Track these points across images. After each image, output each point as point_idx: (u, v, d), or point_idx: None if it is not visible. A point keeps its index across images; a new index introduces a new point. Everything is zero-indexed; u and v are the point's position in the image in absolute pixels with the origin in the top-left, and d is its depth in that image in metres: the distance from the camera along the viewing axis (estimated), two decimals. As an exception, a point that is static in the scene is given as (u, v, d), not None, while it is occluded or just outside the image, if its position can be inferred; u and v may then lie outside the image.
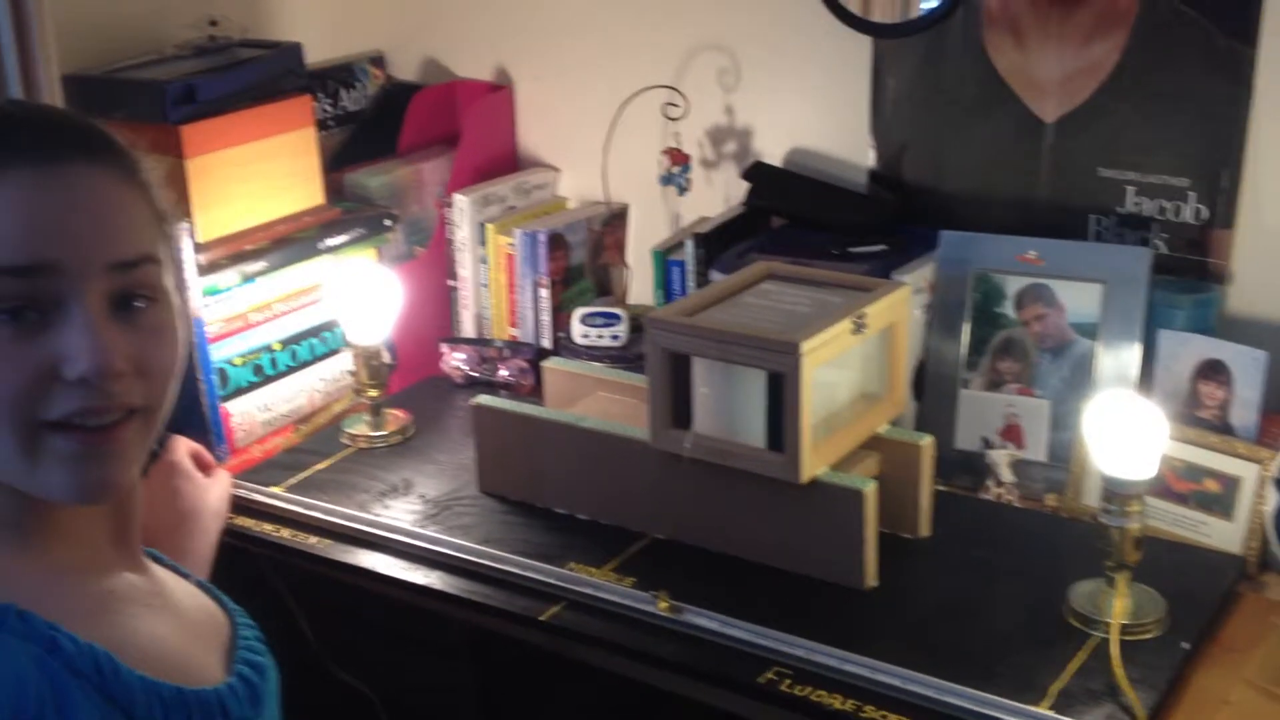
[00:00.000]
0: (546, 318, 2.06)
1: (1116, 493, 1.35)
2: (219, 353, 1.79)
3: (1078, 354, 1.69)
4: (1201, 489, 1.55)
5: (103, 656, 0.93)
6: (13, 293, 0.90)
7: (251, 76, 1.87)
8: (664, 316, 1.50)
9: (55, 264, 0.91)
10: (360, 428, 1.86)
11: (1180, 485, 1.56)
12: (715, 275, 1.83)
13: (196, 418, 1.75)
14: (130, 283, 0.95)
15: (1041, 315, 1.71)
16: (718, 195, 2.05)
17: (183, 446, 1.56)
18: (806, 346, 1.40)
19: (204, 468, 1.57)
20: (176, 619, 1.07)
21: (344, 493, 1.70)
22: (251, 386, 1.84)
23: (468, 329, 2.13)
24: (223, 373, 1.79)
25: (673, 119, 1.96)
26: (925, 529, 1.56)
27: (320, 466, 1.78)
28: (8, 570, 0.96)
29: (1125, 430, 1.34)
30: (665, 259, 1.92)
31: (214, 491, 1.54)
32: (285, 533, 1.63)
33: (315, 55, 2.09)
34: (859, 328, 1.48)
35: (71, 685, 0.90)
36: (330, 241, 1.94)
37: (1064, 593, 1.41)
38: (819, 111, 1.95)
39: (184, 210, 1.70)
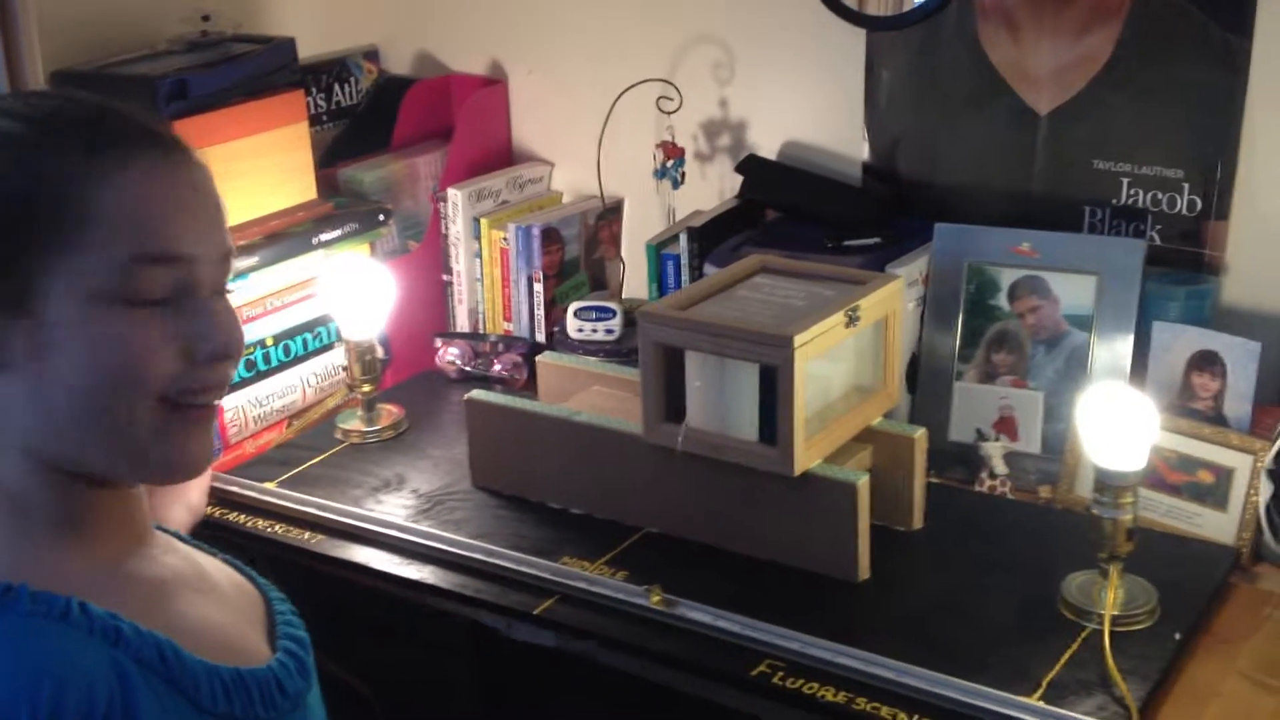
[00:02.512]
0: (541, 312, 2.06)
1: (1109, 484, 1.34)
2: (212, 348, 1.79)
3: (1072, 346, 1.69)
4: (1195, 480, 1.54)
5: (165, 644, 0.94)
6: (162, 280, 0.95)
7: (244, 72, 1.86)
8: (657, 310, 1.50)
9: (192, 254, 0.97)
10: (354, 423, 1.86)
11: (1174, 476, 1.56)
12: (709, 269, 1.83)
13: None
14: (225, 272, 1.01)
15: (1035, 307, 1.71)
16: (712, 189, 2.04)
17: None
18: (799, 340, 1.40)
19: None
20: (220, 600, 1.08)
21: (337, 488, 1.70)
22: (244, 382, 1.84)
23: (462, 324, 2.13)
24: (216, 368, 1.79)
25: (667, 113, 1.96)
26: (918, 521, 1.56)
27: (313, 462, 1.77)
28: (62, 564, 0.96)
29: (1117, 422, 1.34)
30: (659, 253, 1.92)
31: (192, 486, 1.54)
32: (278, 528, 1.63)
33: (309, 50, 2.09)
34: (852, 321, 1.48)
35: (137, 677, 0.91)
36: (324, 236, 1.93)
37: (1056, 584, 1.41)
38: (813, 105, 1.95)
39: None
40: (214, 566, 1.13)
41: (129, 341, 0.94)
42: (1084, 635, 1.34)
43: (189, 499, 1.53)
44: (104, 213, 0.93)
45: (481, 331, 2.12)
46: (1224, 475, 1.52)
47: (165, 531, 1.11)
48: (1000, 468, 1.67)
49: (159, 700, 0.92)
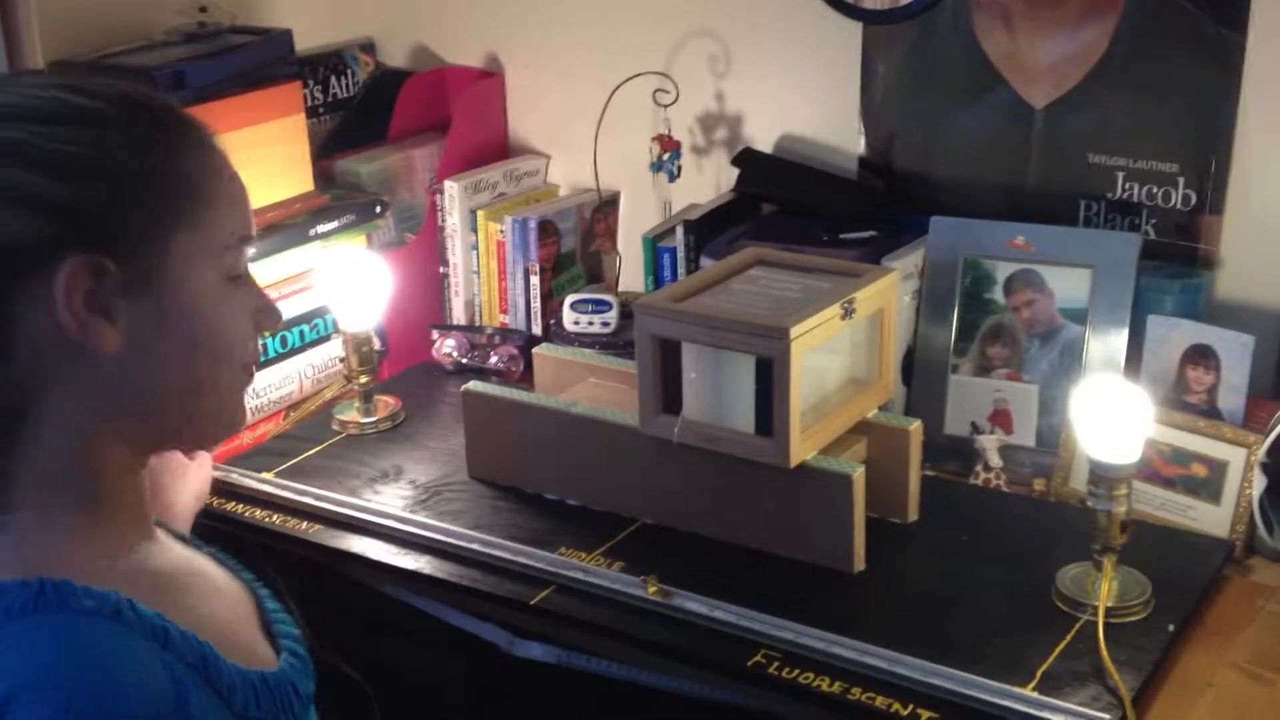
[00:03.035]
0: (537, 304, 2.06)
1: (1103, 476, 1.35)
2: (209, 339, 1.79)
3: (1067, 339, 1.69)
4: (1189, 473, 1.55)
5: (206, 647, 0.91)
6: (244, 259, 1.03)
7: (241, 63, 1.86)
8: (653, 302, 1.51)
9: (252, 235, 1.04)
10: (351, 414, 1.86)
11: (1168, 470, 1.56)
12: (706, 262, 1.83)
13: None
14: None
15: (1031, 301, 1.72)
16: (708, 182, 2.05)
17: None
18: (795, 332, 1.40)
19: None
20: (222, 599, 1.05)
21: (334, 478, 1.71)
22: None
23: (458, 316, 2.13)
24: (213, 359, 1.79)
25: (663, 105, 1.96)
26: (914, 514, 1.57)
27: (310, 453, 1.78)
28: (93, 557, 0.93)
29: (1111, 414, 1.35)
30: (656, 245, 1.93)
31: (195, 474, 1.54)
32: (276, 518, 1.64)
33: (305, 42, 2.09)
34: (848, 313, 1.49)
35: (186, 680, 0.88)
36: (320, 228, 1.94)
37: (1051, 576, 1.42)
38: (809, 98, 1.96)
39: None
40: (206, 563, 1.10)
41: (234, 317, 1.01)
42: (1078, 626, 1.35)
43: (196, 486, 1.52)
44: (217, 193, 0.98)
45: (478, 324, 2.12)
46: (1218, 468, 1.53)
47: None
48: (995, 460, 1.67)
49: (208, 705, 0.89)
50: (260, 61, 1.89)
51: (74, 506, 0.95)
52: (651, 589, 1.42)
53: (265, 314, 1.05)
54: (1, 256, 0.89)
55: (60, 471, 0.94)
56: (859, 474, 1.44)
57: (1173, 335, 1.61)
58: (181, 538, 1.12)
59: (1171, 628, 1.34)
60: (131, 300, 0.93)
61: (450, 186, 2.08)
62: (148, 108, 0.97)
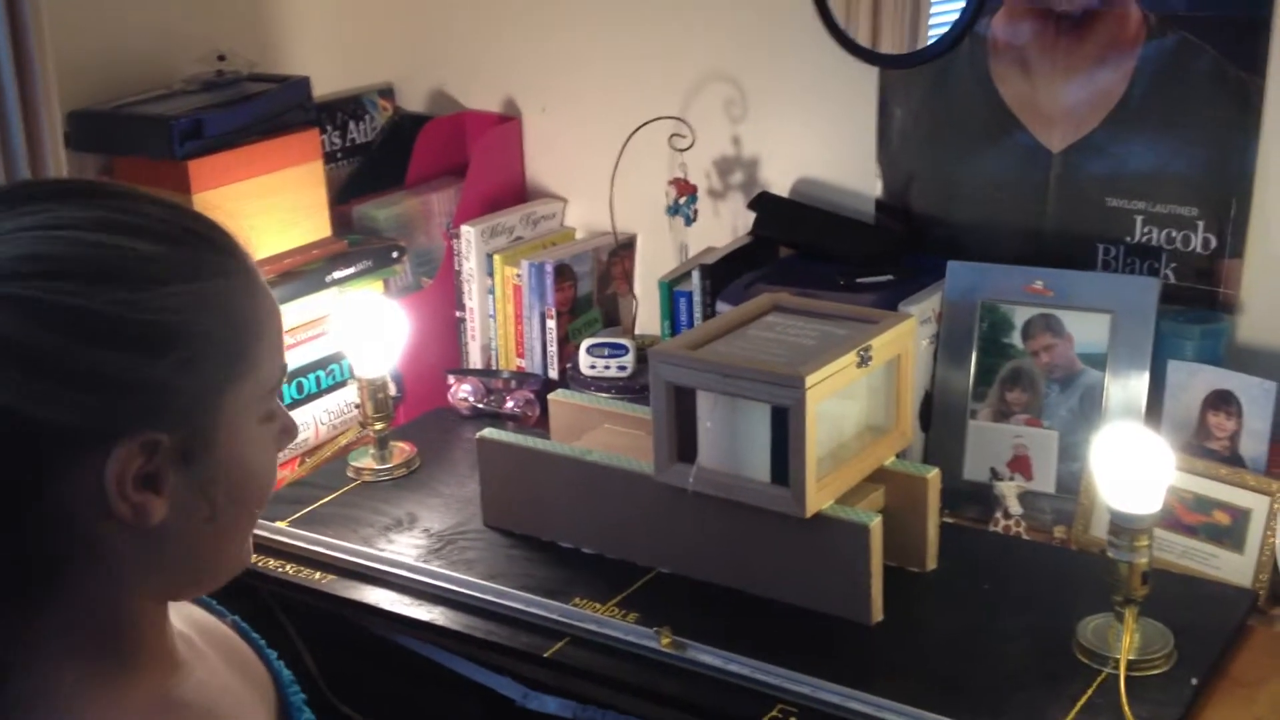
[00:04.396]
0: (553, 348, 2.06)
1: (1124, 527, 1.33)
2: (225, 386, 1.79)
3: (1086, 384, 1.68)
4: (1211, 521, 1.53)
5: None
6: (278, 393, 0.92)
7: (259, 111, 1.88)
8: (668, 349, 1.50)
9: (288, 366, 0.94)
10: (366, 461, 1.85)
11: (1189, 517, 1.54)
12: (722, 305, 1.82)
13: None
14: None
15: (1049, 345, 1.70)
16: (725, 226, 2.04)
17: None
18: (811, 380, 1.39)
19: None
20: (253, 707, 0.98)
21: (349, 527, 1.70)
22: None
23: (475, 360, 2.13)
24: (229, 406, 1.79)
25: (680, 150, 1.96)
26: (932, 562, 1.55)
27: (325, 500, 1.77)
28: (142, 709, 0.86)
29: (1132, 465, 1.33)
30: (672, 289, 1.92)
31: None
32: (290, 568, 1.63)
33: (324, 87, 2.10)
34: (864, 361, 1.48)
35: None
36: (338, 274, 1.94)
37: (1072, 626, 1.40)
38: (826, 142, 1.95)
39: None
40: (227, 645, 1.02)
41: (267, 457, 0.90)
42: (1100, 680, 1.33)
43: None
44: (263, 334, 0.87)
45: (494, 368, 2.11)
46: (1241, 516, 1.51)
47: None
48: (1015, 507, 1.66)
49: None
50: (278, 109, 1.91)
51: (101, 664, 0.86)
52: (665, 641, 1.40)
53: (286, 434, 0.93)
54: (41, 443, 0.77)
55: (89, 632, 0.85)
56: (876, 523, 1.43)
57: (1193, 381, 1.59)
58: (207, 604, 1.05)
59: (1195, 681, 1.32)
60: (179, 468, 0.82)
61: (467, 231, 2.08)
62: (209, 241, 0.85)
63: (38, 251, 0.78)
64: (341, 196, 2.14)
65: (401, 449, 1.88)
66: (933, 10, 1.83)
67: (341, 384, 1.97)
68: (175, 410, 0.81)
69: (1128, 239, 1.73)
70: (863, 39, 1.86)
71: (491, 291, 2.09)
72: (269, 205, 1.86)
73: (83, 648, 0.84)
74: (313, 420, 1.93)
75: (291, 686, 1.04)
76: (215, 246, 0.86)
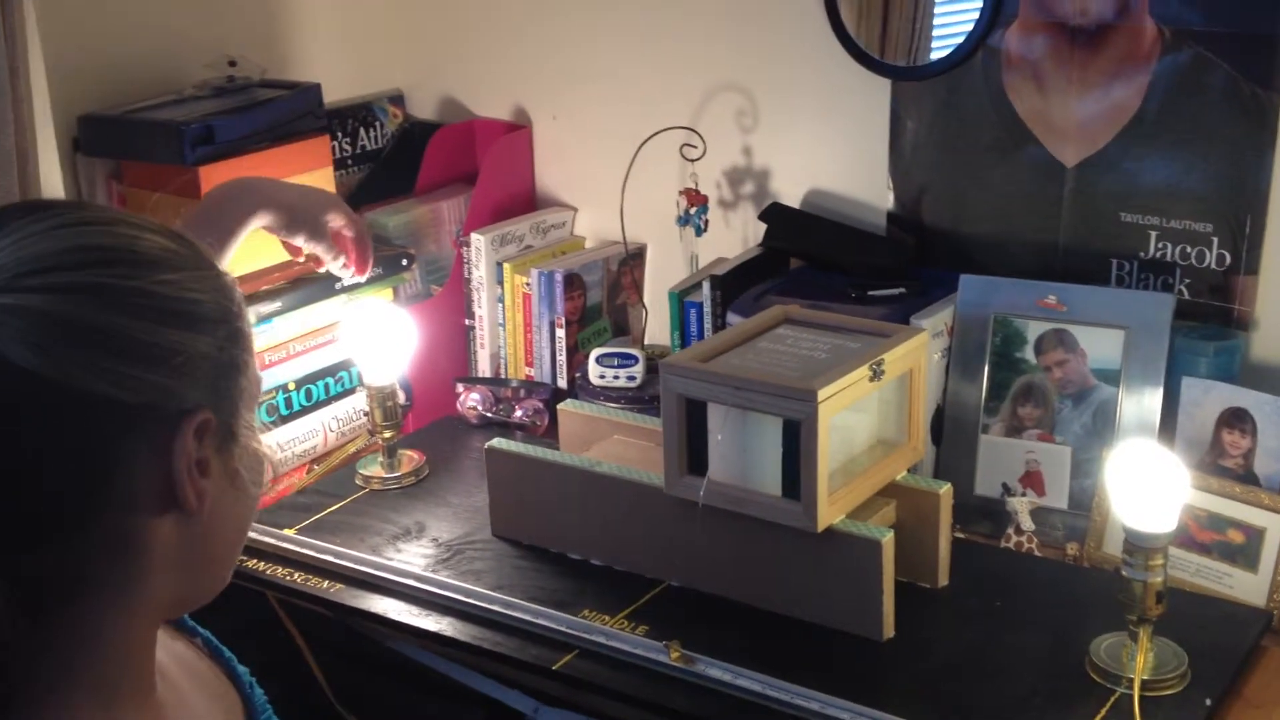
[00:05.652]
0: (563, 358, 2.05)
1: (1138, 546, 1.32)
2: (234, 393, 1.78)
3: (1099, 400, 1.67)
4: (1225, 540, 1.52)
5: None
6: None
7: (270, 117, 1.87)
8: (679, 361, 1.49)
9: None
10: (374, 469, 1.85)
11: (1203, 535, 1.53)
12: (732, 317, 1.81)
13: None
14: None
15: (1062, 361, 1.69)
16: (735, 236, 2.04)
17: None
18: (823, 394, 1.39)
19: None
20: None
21: (356, 535, 1.69)
22: (266, 427, 1.83)
23: (483, 369, 2.12)
24: (237, 413, 1.79)
25: (691, 160, 1.96)
26: (944, 578, 1.54)
27: (333, 508, 1.77)
28: None
29: (1147, 483, 1.32)
30: (682, 300, 1.91)
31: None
32: (297, 577, 1.62)
33: (335, 94, 2.10)
34: (876, 375, 1.47)
35: None
36: (347, 281, 1.93)
37: (1085, 645, 1.39)
38: (837, 153, 1.94)
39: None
40: (194, 669, 1.00)
41: (265, 448, 0.92)
42: (1113, 700, 1.32)
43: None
44: (250, 332, 0.90)
45: (503, 377, 2.11)
46: (1255, 535, 1.50)
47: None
48: (1027, 523, 1.65)
49: None
50: (289, 115, 1.90)
51: (97, 696, 0.84)
52: (674, 655, 1.40)
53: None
54: (116, 427, 0.78)
55: (115, 650, 0.84)
56: (889, 539, 1.42)
57: (1208, 398, 1.58)
58: (181, 625, 1.04)
59: (1209, 702, 1.31)
60: (217, 451, 0.85)
61: (477, 239, 2.07)
62: (184, 237, 0.88)
63: (82, 244, 0.80)
64: (351, 203, 2.13)
65: (410, 457, 1.87)
66: (946, 22, 1.82)
67: (350, 391, 1.96)
68: (219, 389, 0.84)
69: (1141, 254, 1.72)
70: (874, 50, 1.85)
71: (501, 300, 2.09)
72: (279, 212, 1.85)
73: (81, 680, 0.83)
74: (321, 428, 1.92)
75: (261, 703, 1.04)
76: (189, 241, 0.89)
